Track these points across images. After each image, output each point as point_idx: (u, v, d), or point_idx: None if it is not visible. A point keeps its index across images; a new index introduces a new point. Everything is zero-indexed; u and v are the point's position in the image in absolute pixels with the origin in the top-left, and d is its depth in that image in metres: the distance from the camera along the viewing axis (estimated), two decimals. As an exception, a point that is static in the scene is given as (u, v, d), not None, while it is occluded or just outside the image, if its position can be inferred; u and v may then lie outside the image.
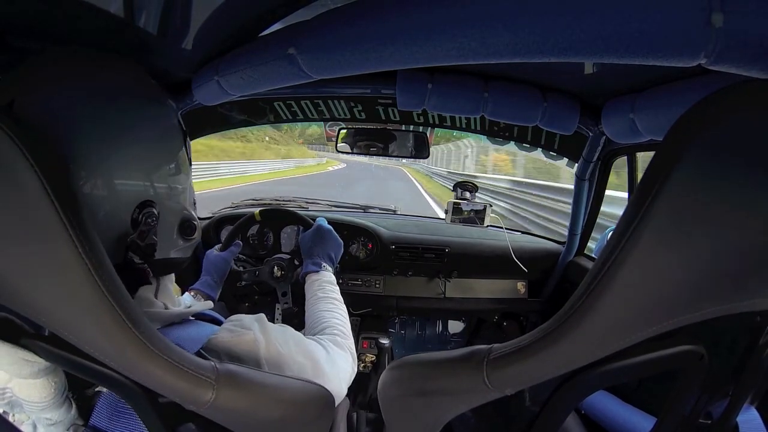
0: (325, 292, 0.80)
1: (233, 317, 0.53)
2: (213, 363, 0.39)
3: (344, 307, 0.79)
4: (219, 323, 0.53)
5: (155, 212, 0.45)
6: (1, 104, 0.38)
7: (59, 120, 0.39)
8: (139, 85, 0.47)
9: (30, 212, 0.30)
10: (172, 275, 0.54)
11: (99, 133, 0.41)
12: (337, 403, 0.53)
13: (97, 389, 0.48)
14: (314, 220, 1.02)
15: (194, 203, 0.55)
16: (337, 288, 0.84)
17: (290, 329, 0.57)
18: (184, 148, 0.52)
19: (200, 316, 0.54)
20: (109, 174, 0.42)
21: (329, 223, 0.99)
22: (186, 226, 0.51)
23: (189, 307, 0.53)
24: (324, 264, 0.88)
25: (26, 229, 0.31)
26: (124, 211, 0.43)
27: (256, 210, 1.28)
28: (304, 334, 0.62)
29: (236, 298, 1.47)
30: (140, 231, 0.44)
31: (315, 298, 0.79)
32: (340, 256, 0.95)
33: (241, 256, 1.38)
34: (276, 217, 1.33)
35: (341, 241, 0.96)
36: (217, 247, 1.05)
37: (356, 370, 0.68)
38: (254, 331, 0.50)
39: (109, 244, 0.42)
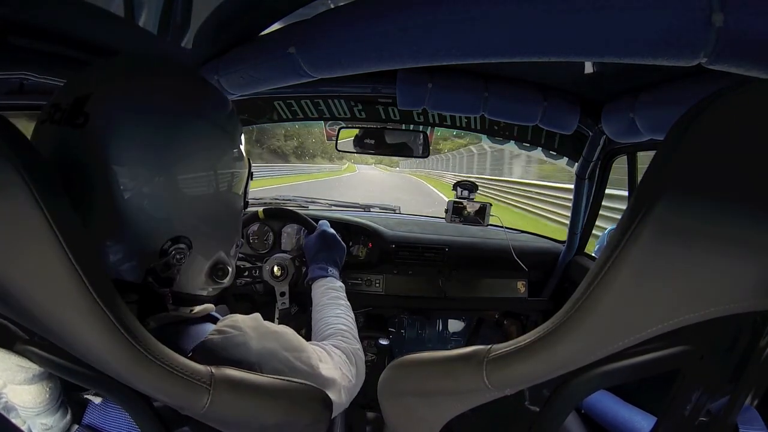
0: (332, 297, 0.80)
1: (227, 317, 0.51)
2: (209, 368, 0.38)
3: (351, 312, 0.78)
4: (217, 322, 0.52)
5: (186, 251, 0.44)
6: (77, 96, 0.40)
7: (124, 127, 0.40)
8: (206, 112, 0.45)
9: (20, 220, 0.31)
10: None
11: (157, 148, 0.41)
12: (335, 414, 0.51)
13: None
14: (317, 222, 1.03)
15: (240, 245, 0.52)
16: (344, 293, 0.84)
17: (289, 332, 0.54)
18: (241, 186, 0.49)
19: (202, 318, 0.54)
20: (155, 190, 0.41)
21: (330, 222, 1.00)
22: (217, 269, 0.49)
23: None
24: (330, 269, 0.88)
25: (16, 236, 0.31)
26: (156, 236, 0.42)
27: (259, 209, 1.28)
28: (309, 340, 0.60)
29: (236, 297, 1.48)
30: (165, 262, 0.43)
31: (321, 304, 0.78)
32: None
33: (241, 254, 1.38)
34: (279, 216, 1.33)
35: (345, 245, 0.98)
36: None
37: (363, 376, 0.66)
38: (245, 333, 0.48)
39: (132, 259, 0.42)
